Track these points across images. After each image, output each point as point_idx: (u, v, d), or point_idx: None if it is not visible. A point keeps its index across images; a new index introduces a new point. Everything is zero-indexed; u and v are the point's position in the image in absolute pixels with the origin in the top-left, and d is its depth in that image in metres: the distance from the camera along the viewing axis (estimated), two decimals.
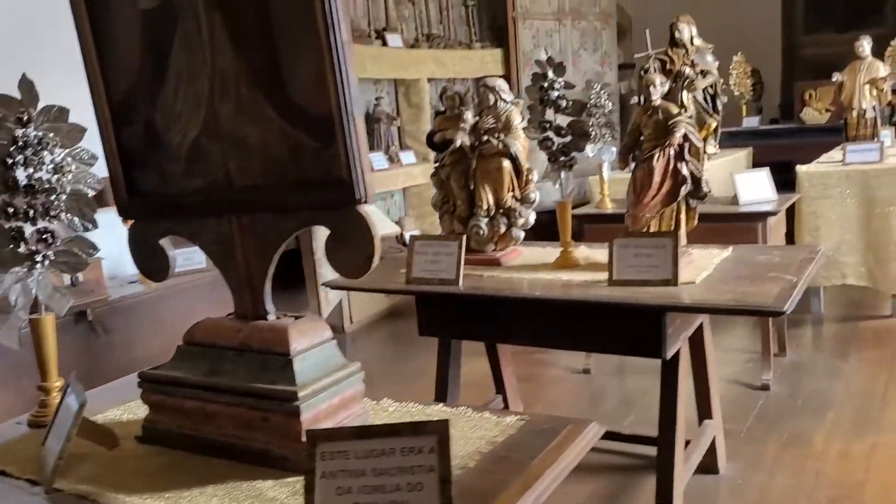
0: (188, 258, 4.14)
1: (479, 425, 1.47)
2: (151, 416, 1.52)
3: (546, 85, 2.59)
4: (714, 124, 3.82)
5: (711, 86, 3.80)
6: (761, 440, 3.22)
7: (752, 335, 4.42)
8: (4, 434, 1.66)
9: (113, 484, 1.35)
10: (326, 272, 4.13)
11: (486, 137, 2.80)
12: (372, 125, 6.05)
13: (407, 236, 6.10)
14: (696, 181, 2.50)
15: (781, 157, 6.77)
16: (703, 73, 3.80)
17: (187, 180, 1.46)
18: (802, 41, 10.72)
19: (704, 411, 2.85)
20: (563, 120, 2.63)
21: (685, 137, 2.47)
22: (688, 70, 3.66)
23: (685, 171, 2.47)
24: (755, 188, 3.77)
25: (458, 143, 2.84)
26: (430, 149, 2.97)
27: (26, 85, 1.58)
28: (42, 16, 3.72)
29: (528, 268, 2.74)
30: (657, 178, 2.48)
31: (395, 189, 6.32)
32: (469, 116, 2.86)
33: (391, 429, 1.14)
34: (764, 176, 3.82)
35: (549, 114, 2.62)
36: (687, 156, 2.48)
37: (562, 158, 2.63)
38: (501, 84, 2.81)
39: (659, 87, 2.49)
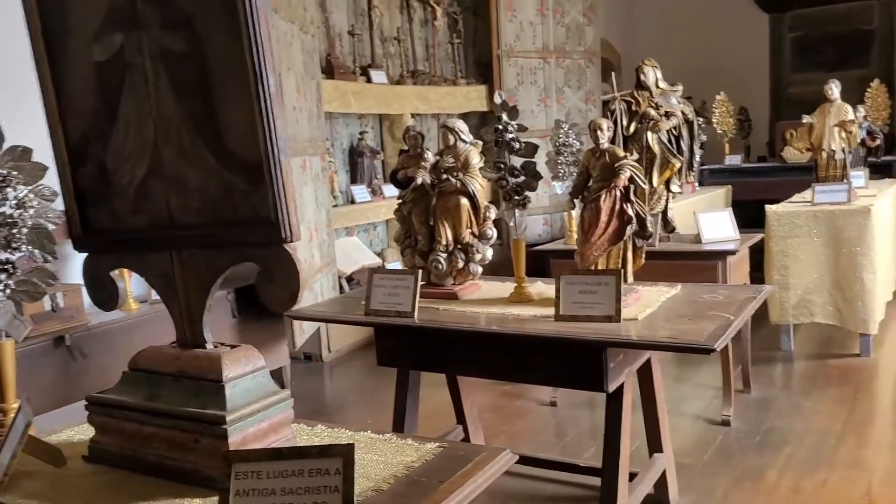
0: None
1: (400, 451, 1.57)
2: (97, 436, 1.62)
3: (500, 127, 2.72)
4: (678, 165, 3.95)
5: (675, 127, 3.94)
6: (715, 474, 3.31)
7: (720, 372, 4.51)
8: None
9: (52, 500, 1.45)
10: (301, 300, 4.23)
11: (445, 176, 2.93)
12: (355, 158, 6.20)
13: (388, 267, 6.21)
14: (642, 221, 2.62)
15: (761, 195, 6.91)
16: (668, 115, 3.94)
17: (134, 218, 1.58)
18: (789, 80, 10.95)
19: (654, 444, 2.94)
20: (518, 161, 2.76)
21: (631, 179, 2.59)
22: (652, 112, 3.82)
23: (630, 212, 2.59)
24: (718, 227, 3.89)
25: (419, 181, 2.96)
26: (393, 185, 3.10)
27: None
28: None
29: (483, 302, 2.85)
30: (604, 217, 2.60)
31: (377, 221, 6.45)
32: (430, 156, 2.99)
33: (300, 451, 1.25)
34: (726, 215, 3.95)
35: (505, 155, 2.74)
36: (633, 197, 2.60)
37: (516, 198, 2.75)
38: (461, 125, 2.94)
39: (606, 131, 2.62)
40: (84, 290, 3.89)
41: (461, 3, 7.47)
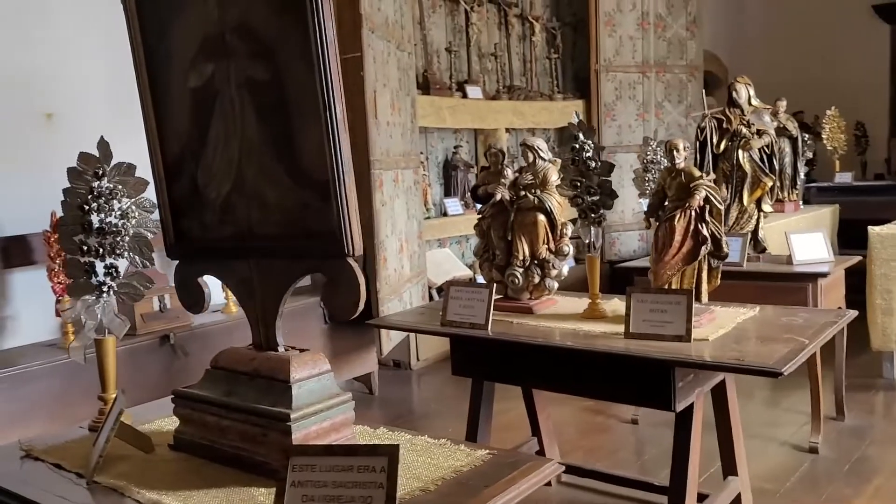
0: None
1: (452, 455, 1.66)
2: (181, 427, 1.78)
3: (577, 146, 2.78)
4: (770, 183, 3.87)
5: (767, 146, 3.86)
6: (796, 501, 3.22)
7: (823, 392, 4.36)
8: (69, 435, 1.97)
9: (139, 481, 1.61)
10: (389, 308, 4.39)
11: (523, 193, 3.00)
12: (449, 172, 6.33)
13: (479, 279, 6.31)
14: (717, 242, 2.61)
15: (873, 215, 6.62)
16: (760, 133, 3.87)
17: (220, 229, 1.74)
18: None
19: (729, 467, 2.90)
20: (594, 179, 2.80)
21: (706, 199, 2.59)
22: (744, 130, 3.78)
23: (705, 232, 2.59)
24: (810, 248, 3.79)
25: (498, 197, 3.04)
26: (474, 201, 3.19)
27: (103, 145, 1.91)
28: None
29: (557, 317, 2.90)
30: (678, 237, 2.61)
31: (470, 233, 6.56)
32: (509, 172, 3.07)
33: (350, 449, 1.36)
34: (820, 236, 3.83)
35: (581, 173, 2.79)
36: (708, 217, 2.59)
37: (591, 215, 2.80)
38: (540, 144, 3.01)
39: (683, 151, 2.63)
40: None
41: (560, 18, 7.52)
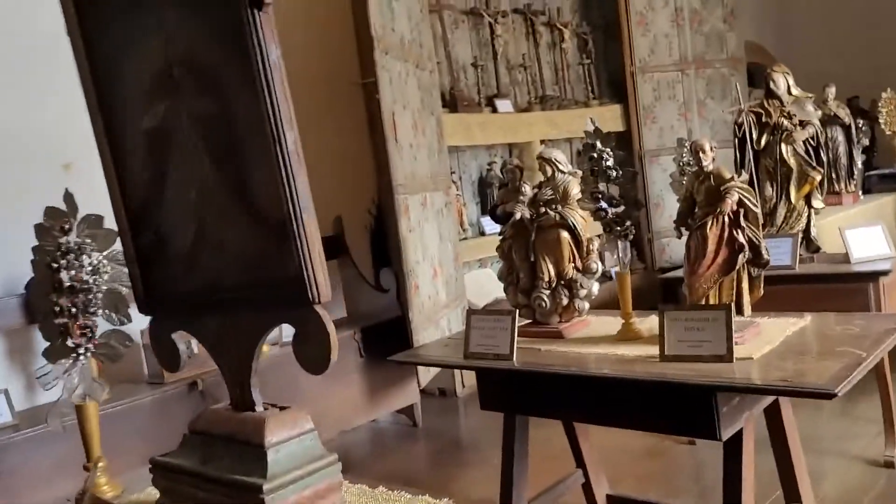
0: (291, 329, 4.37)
1: None
2: (161, 498, 1.64)
3: (595, 155, 2.57)
4: (818, 178, 3.58)
5: (813, 137, 3.58)
6: None
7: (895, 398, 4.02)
8: None
9: None
10: (424, 338, 4.22)
11: (543, 209, 2.80)
12: (485, 190, 6.15)
13: None
14: (756, 248, 2.37)
15: None
16: (803, 124, 3.59)
17: (187, 281, 1.60)
18: None
19: (791, 493, 2.63)
20: (616, 189, 2.59)
21: (740, 203, 2.35)
22: (785, 122, 3.51)
23: (742, 239, 2.35)
24: (869, 244, 3.48)
25: (517, 216, 2.85)
26: (494, 222, 3.01)
27: (69, 198, 1.79)
28: None
29: (589, 340, 2.69)
30: (711, 246, 2.37)
31: None
32: (527, 189, 2.88)
33: None
34: (878, 230, 3.52)
35: (602, 184, 2.58)
36: (743, 222, 2.35)
37: (617, 228, 2.58)
38: (558, 156, 2.81)
39: (710, 152, 2.40)
40: None
41: (590, 22, 7.29)
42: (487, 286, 5.92)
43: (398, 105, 4.36)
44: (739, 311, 2.40)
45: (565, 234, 2.78)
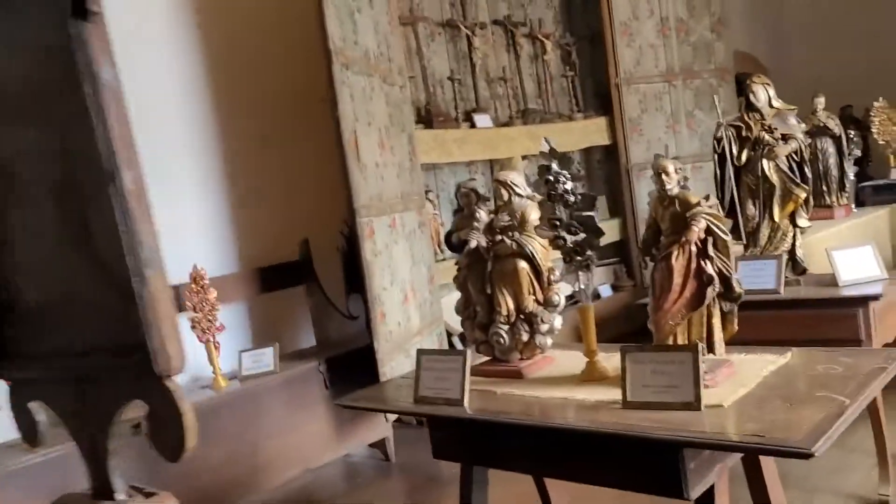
0: (257, 360, 4.13)
1: None
2: None
3: (552, 178, 2.33)
4: (803, 195, 3.35)
5: (796, 152, 3.34)
6: None
7: (888, 431, 3.75)
8: None
9: None
10: (393, 369, 3.97)
11: (499, 237, 2.57)
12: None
13: None
14: (726, 281, 2.13)
15: None
16: (786, 139, 3.36)
17: (39, 343, 1.36)
18: None
19: None
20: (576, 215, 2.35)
21: (708, 230, 2.11)
22: (767, 136, 3.27)
23: (710, 270, 2.11)
24: (858, 265, 3.24)
25: (472, 244, 2.62)
26: (449, 250, 2.77)
27: None
28: None
29: (550, 381, 2.45)
30: (677, 279, 2.13)
31: None
32: (483, 215, 2.64)
33: None
34: (868, 251, 3.28)
35: (560, 210, 2.34)
36: (712, 251, 2.12)
37: (577, 258, 2.34)
38: (515, 178, 2.58)
39: (673, 173, 2.16)
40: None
41: (574, 33, 7.08)
42: None
43: (361, 122, 4.13)
44: (711, 350, 2.16)
45: (523, 264, 2.54)
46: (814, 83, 7.23)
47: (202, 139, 4.57)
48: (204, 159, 4.57)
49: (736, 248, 4.23)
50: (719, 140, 3.46)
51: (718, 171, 3.50)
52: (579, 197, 2.31)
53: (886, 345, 3.15)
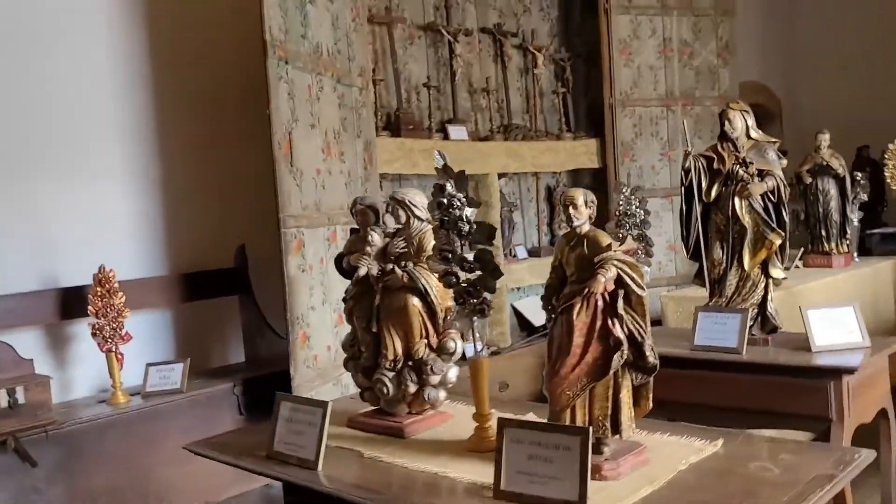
0: (164, 376, 3.72)
1: None
2: None
3: (444, 202, 1.90)
4: (777, 241, 2.90)
5: (773, 191, 2.89)
6: None
7: None
8: None
9: None
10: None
11: (390, 266, 2.14)
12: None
13: (468, 349, 5.41)
14: (638, 347, 1.69)
15: None
16: (762, 175, 2.91)
17: None
18: None
19: None
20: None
21: (619, 282, 1.68)
22: (741, 171, 2.84)
23: (618, 333, 1.67)
24: (837, 330, 2.78)
25: (361, 272, 2.19)
26: (340, 275, 2.34)
27: None
28: None
29: (432, 446, 2.02)
30: (578, 339, 1.70)
31: None
32: (376, 237, 2.22)
33: None
34: (850, 312, 2.81)
35: (453, 240, 1.91)
36: (622, 308, 1.68)
37: (471, 301, 1.91)
38: (415, 197, 2.15)
39: (583, 207, 1.73)
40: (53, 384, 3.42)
41: (570, 48, 6.65)
42: None
43: (302, 124, 3.72)
44: (617, 431, 1.72)
45: (415, 301, 2.12)
46: (829, 120, 6.77)
47: (137, 132, 4.17)
48: (137, 153, 4.17)
49: (699, 296, 3.79)
50: (687, 171, 3.02)
51: (684, 207, 3.05)
52: (474, 226, 1.88)
53: (862, 427, 2.69)
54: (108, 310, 3.54)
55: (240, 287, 4.34)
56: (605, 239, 1.70)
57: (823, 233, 5.11)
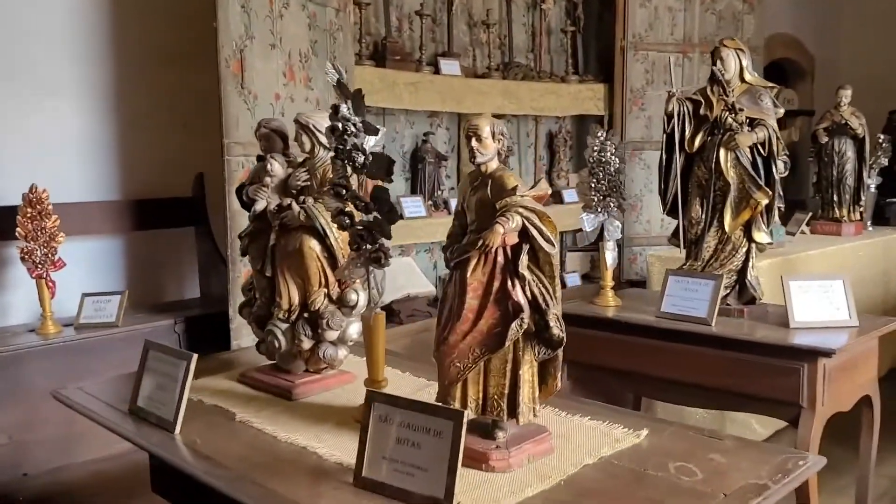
0: (100, 308, 3.48)
1: None
2: None
3: (339, 126, 1.58)
4: (763, 201, 2.55)
5: (764, 144, 2.53)
6: None
7: None
8: None
9: None
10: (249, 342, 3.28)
11: (288, 201, 1.84)
12: (416, 164, 5.16)
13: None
14: (543, 315, 1.37)
15: None
16: (753, 124, 2.55)
17: None
18: None
19: None
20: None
21: (525, 235, 1.36)
22: (729, 118, 2.48)
23: (518, 297, 1.36)
24: (819, 305, 2.44)
25: (258, 207, 1.89)
26: (243, 209, 2.04)
27: None
28: None
29: (317, 412, 1.74)
30: (472, 301, 1.39)
31: (439, 240, 5.37)
32: (277, 167, 1.90)
33: None
34: (839, 286, 2.47)
35: (347, 172, 1.60)
36: (525, 268, 1.36)
37: (367, 247, 1.60)
38: (320, 122, 1.83)
39: (489, 140, 1.40)
40: None
41: None
42: (401, 279, 4.96)
43: (258, 42, 3.39)
44: (513, 414, 1.42)
45: (313, 244, 1.81)
46: (865, 82, 6.28)
47: (88, 45, 3.85)
48: (91, 69, 3.86)
49: (673, 255, 3.45)
50: (670, 116, 2.66)
51: (665, 156, 2.70)
52: (370, 157, 1.56)
53: (838, 415, 2.37)
54: (39, 233, 3.27)
55: (197, 218, 4.06)
56: (512, 180, 1.37)
57: (836, 198, 4.71)
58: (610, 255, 2.84)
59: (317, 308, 1.83)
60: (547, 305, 1.35)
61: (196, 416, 1.71)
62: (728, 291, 2.60)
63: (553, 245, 1.35)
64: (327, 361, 1.85)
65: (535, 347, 1.40)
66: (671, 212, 2.72)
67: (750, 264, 2.60)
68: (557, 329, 1.36)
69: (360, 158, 1.56)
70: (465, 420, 1.25)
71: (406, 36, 5.14)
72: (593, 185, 2.82)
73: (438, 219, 5.09)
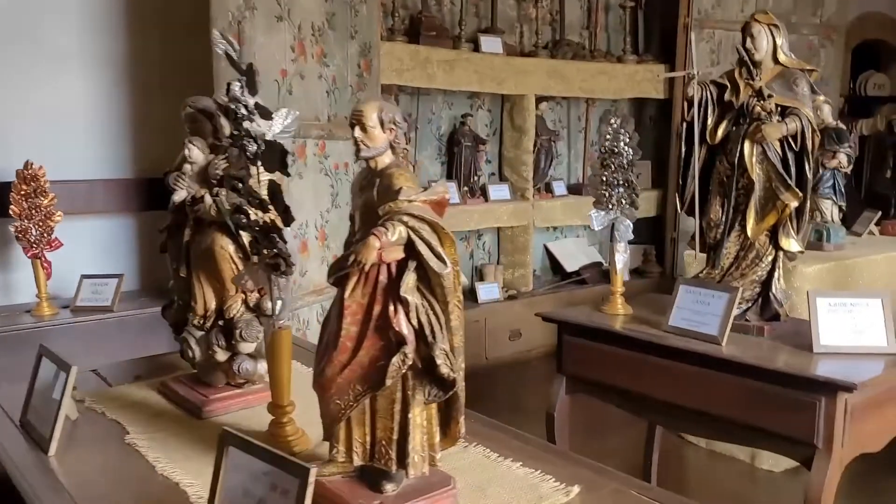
0: (98, 291, 3.37)
1: None
2: None
3: (232, 107, 1.34)
4: (794, 203, 2.18)
5: (795, 136, 2.16)
6: None
7: None
8: None
9: None
10: None
11: (202, 193, 1.62)
12: (453, 148, 4.90)
13: (481, 290, 4.87)
14: (429, 347, 1.10)
15: None
16: (785, 114, 2.18)
17: None
18: None
19: None
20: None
21: (410, 250, 1.09)
22: (756, 105, 2.13)
23: (401, 325, 1.09)
24: (851, 326, 2.07)
25: (176, 198, 1.68)
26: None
27: None
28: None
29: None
30: (351, 327, 1.13)
31: (485, 228, 5.11)
32: (196, 152, 1.68)
33: None
34: (875, 305, 2.08)
35: (243, 163, 1.36)
36: (409, 292, 1.09)
37: (259, 245, 1.36)
38: (252, 101, 1.59)
39: (378, 130, 1.13)
40: None
41: None
42: None
43: (260, 13, 3.18)
44: (402, 464, 1.17)
45: (225, 243, 1.59)
46: None
47: (104, 13, 3.73)
48: (102, 36, 3.73)
49: (690, 256, 3.08)
50: (691, 102, 2.32)
51: (684, 148, 2.36)
52: (262, 146, 1.32)
53: (860, 457, 2.01)
54: (34, 211, 3.17)
55: None
56: (402, 180, 1.10)
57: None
58: (620, 258, 2.52)
59: (231, 316, 1.60)
60: (434, 338, 1.08)
61: (86, 433, 1.53)
62: (749, 305, 2.25)
63: (445, 264, 1.08)
64: (244, 376, 1.63)
65: (425, 387, 1.13)
66: (690, 211, 2.38)
67: (776, 275, 2.24)
68: (447, 367, 1.09)
69: (253, 147, 1.32)
70: (311, 479, 1.01)
71: (447, 10, 4.87)
72: (604, 179, 2.50)
73: (473, 206, 4.85)
